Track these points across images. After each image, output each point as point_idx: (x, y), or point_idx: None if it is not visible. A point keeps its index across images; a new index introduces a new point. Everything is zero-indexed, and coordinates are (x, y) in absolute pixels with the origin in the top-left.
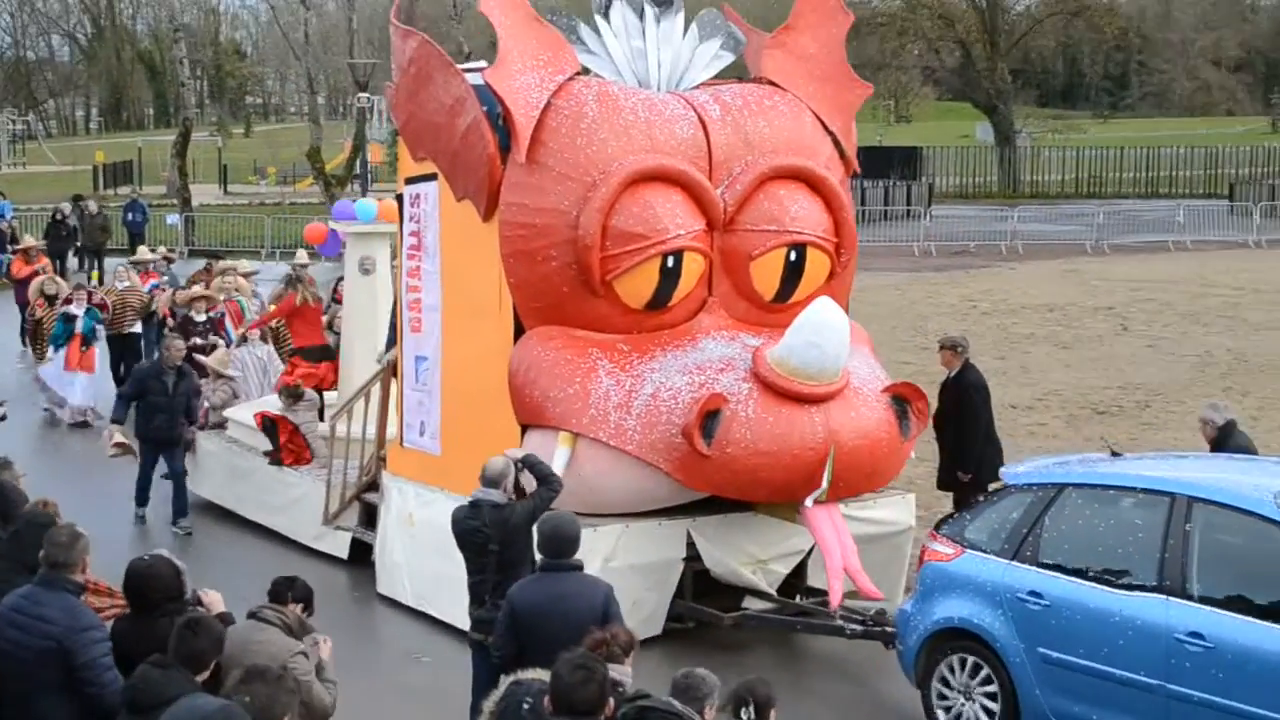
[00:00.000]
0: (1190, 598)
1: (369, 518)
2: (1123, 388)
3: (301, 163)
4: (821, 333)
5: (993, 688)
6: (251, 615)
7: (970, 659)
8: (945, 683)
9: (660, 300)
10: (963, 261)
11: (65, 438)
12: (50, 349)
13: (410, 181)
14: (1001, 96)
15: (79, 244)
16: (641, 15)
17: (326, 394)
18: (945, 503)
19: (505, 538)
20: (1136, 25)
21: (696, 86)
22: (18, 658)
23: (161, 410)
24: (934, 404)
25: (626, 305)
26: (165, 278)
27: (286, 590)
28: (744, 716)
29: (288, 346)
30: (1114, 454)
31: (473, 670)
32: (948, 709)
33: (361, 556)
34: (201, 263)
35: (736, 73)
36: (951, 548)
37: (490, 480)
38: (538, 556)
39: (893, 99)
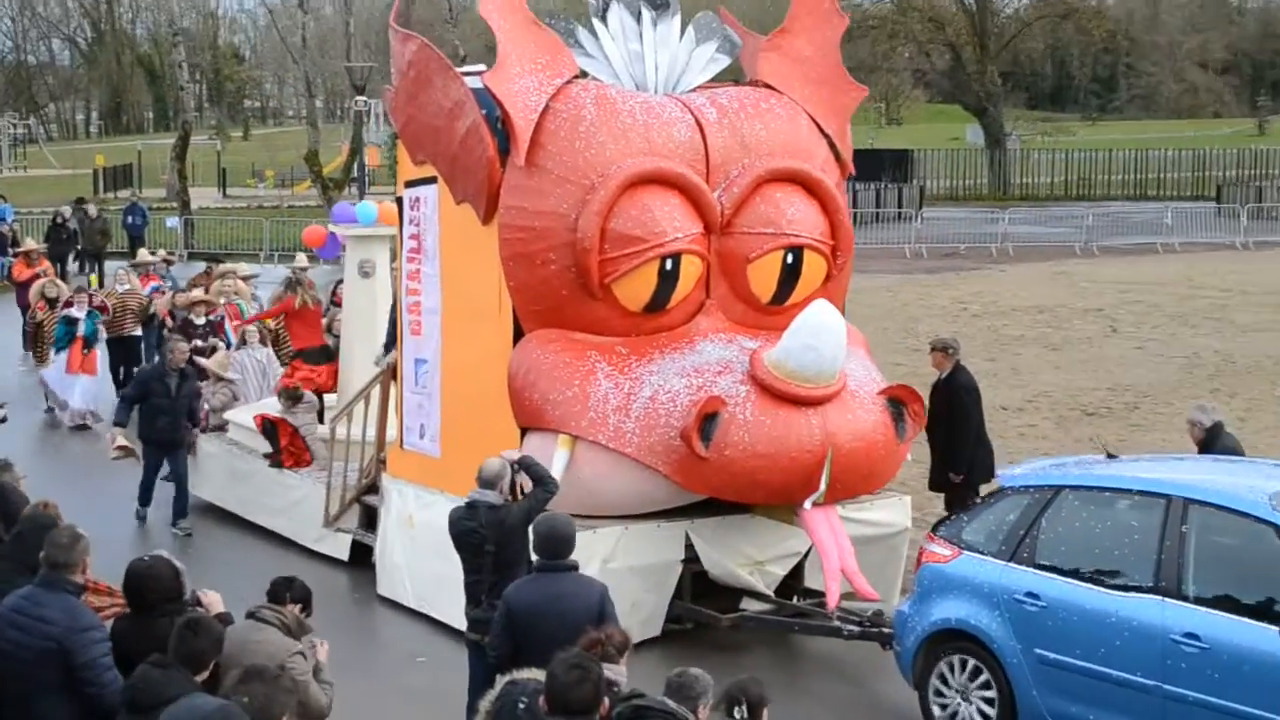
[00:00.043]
0: (1186, 599)
1: (369, 520)
2: (1112, 389)
3: (299, 166)
4: (819, 335)
5: (991, 692)
6: (250, 615)
7: (968, 660)
8: (943, 683)
9: (658, 303)
10: (953, 263)
11: (65, 440)
12: (52, 352)
13: (410, 185)
14: (991, 99)
15: (79, 247)
16: (638, 18)
17: (326, 396)
18: (938, 503)
19: (501, 538)
20: (1124, 28)
21: (693, 89)
22: (18, 658)
23: (164, 412)
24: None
25: (625, 308)
26: (165, 281)
27: (285, 591)
28: (737, 715)
29: (287, 349)
30: (1110, 456)
31: (469, 670)
32: (945, 709)
33: (362, 558)
34: (201, 265)
35: (733, 76)
36: (949, 549)
37: (486, 481)
38: (534, 557)
39: (884, 102)
